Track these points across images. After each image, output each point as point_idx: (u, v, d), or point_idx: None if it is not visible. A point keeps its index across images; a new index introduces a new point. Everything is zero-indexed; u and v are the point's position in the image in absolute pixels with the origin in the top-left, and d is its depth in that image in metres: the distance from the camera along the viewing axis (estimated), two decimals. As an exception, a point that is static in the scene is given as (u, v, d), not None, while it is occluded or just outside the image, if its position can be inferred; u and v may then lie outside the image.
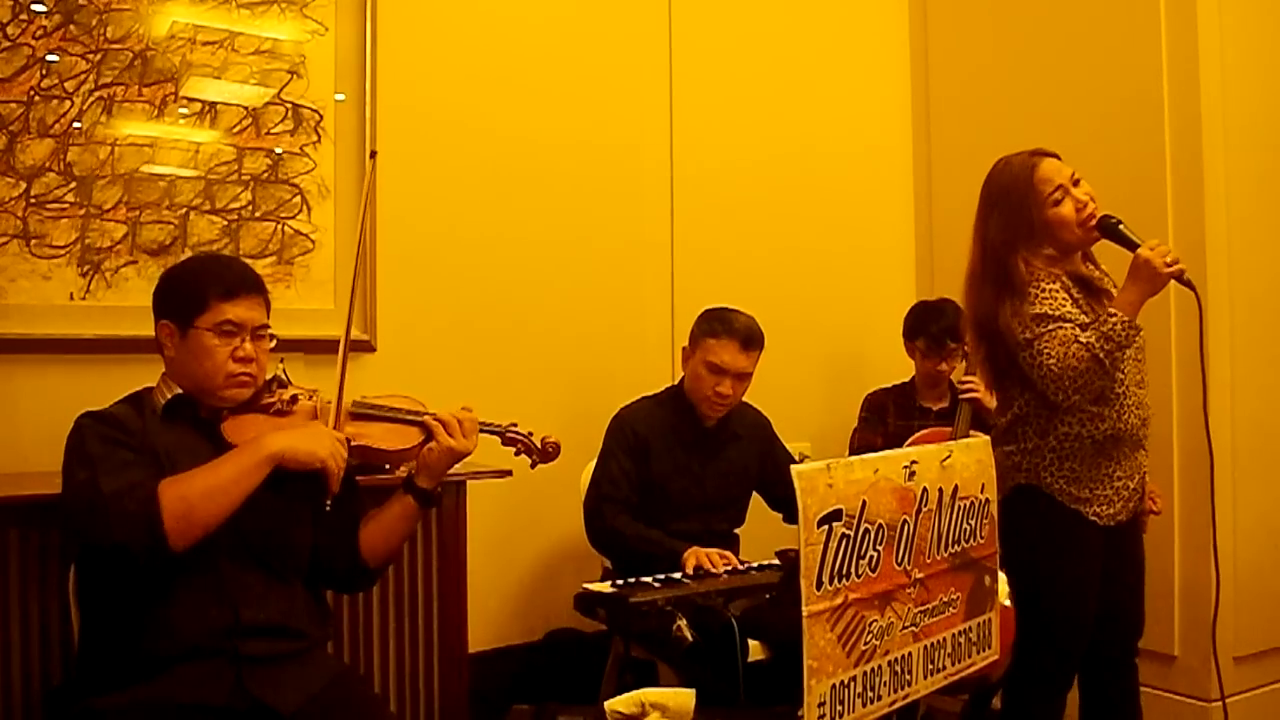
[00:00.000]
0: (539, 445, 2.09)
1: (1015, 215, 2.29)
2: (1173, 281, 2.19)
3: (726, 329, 2.77)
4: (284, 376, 2.04)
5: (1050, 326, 2.20)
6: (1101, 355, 2.15)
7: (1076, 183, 2.29)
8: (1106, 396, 2.27)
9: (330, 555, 2.03)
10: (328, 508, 1.84)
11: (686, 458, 2.85)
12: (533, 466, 2.11)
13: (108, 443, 1.79)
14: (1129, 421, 2.29)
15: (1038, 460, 2.32)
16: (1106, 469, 2.30)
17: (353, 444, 1.94)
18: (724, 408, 2.82)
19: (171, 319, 1.90)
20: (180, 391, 1.90)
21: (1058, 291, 2.25)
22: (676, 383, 2.94)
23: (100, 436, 1.79)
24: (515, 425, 2.08)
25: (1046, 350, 2.19)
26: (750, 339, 2.77)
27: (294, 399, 1.99)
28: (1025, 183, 2.29)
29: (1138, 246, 2.20)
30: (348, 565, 2.05)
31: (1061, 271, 2.30)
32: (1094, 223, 2.27)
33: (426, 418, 1.99)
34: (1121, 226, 2.25)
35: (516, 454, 2.09)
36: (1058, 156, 2.33)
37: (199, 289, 1.89)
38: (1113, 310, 2.18)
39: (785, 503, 2.96)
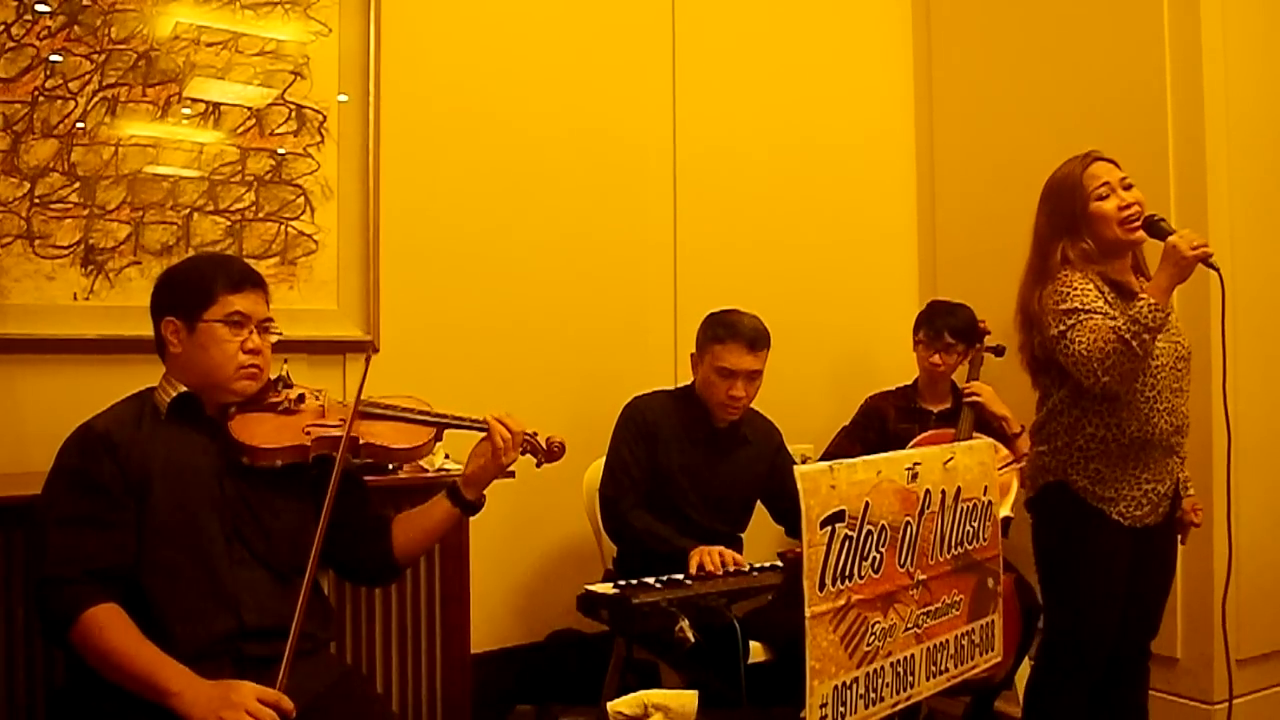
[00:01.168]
0: (544, 445, 2.09)
1: (1061, 206, 2.39)
2: (1182, 289, 2.24)
3: (731, 333, 2.78)
4: (287, 377, 2.05)
5: (1080, 317, 2.26)
6: (1129, 336, 2.18)
7: (1128, 187, 2.37)
8: (1134, 400, 2.30)
9: (361, 556, 2.06)
10: None
11: (695, 454, 2.86)
12: (538, 466, 2.12)
13: (77, 488, 1.79)
14: (1158, 427, 2.32)
15: (1065, 459, 2.37)
16: (1133, 471, 2.33)
17: (362, 443, 1.95)
18: (739, 410, 2.84)
19: (178, 315, 1.90)
20: (185, 390, 1.90)
21: (1089, 290, 2.30)
22: (689, 383, 2.94)
23: (74, 479, 1.80)
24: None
25: (1076, 338, 2.24)
26: (756, 340, 2.79)
27: (301, 398, 2.00)
28: (1075, 177, 2.39)
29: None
30: (378, 563, 2.07)
31: (1096, 273, 2.35)
32: (1138, 222, 2.33)
33: (493, 425, 2.01)
34: (1162, 223, 2.32)
35: (522, 454, 2.09)
36: (1115, 163, 2.41)
37: (205, 283, 1.90)
38: (1142, 295, 2.22)
39: (788, 516, 2.97)
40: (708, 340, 2.82)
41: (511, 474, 2.53)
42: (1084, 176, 2.37)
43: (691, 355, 2.90)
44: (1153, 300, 2.18)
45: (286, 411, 1.97)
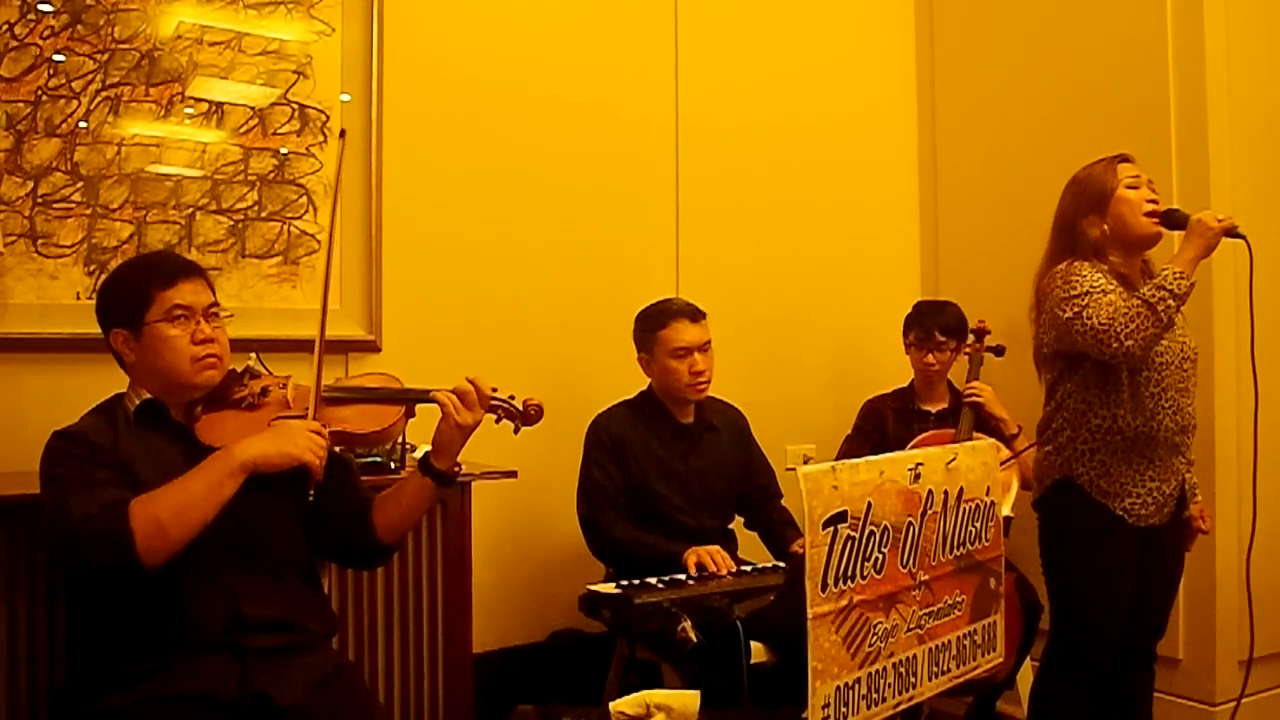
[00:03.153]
0: (520, 409, 2.03)
1: (1090, 187, 2.42)
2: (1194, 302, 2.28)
3: (670, 314, 2.84)
4: (256, 368, 2.02)
5: (1094, 295, 2.28)
6: (1153, 299, 2.19)
7: (1154, 191, 2.42)
8: (1139, 394, 2.32)
9: (346, 537, 2.05)
10: (311, 497, 1.79)
11: (667, 455, 2.86)
12: (516, 431, 2.05)
13: (76, 461, 1.78)
14: (1162, 424, 2.33)
15: (1070, 454, 2.38)
16: (1138, 467, 2.34)
17: (330, 430, 1.90)
18: (705, 385, 2.85)
19: (121, 325, 1.88)
20: (149, 397, 1.89)
21: (1099, 277, 2.32)
22: (645, 390, 2.95)
23: (68, 456, 1.79)
24: (495, 390, 2.03)
25: (1093, 312, 2.25)
26: (694, 311, 2.86)
27: (265, 390, 1.96)
28: (1109, 166, 2.43)
29: None
30: (364, 545, 2.06)
31: (1105, 267, 2.37)
32: (1159, 214, 2.37)
33: (438, 394, 1.97)
34: (1178, 213, 2.36)
35: (498, 420, 2.03)
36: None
37: (138, 287, 1.88)
38: (1166, 265, 2.25)
39: (749, 506, 3.00)
40: (650, 331, 2.86)
41: (513, 474, 2.55)
42: (1119, 168, 2.41)
43: (640, 358, 2.91)
44: (1178, 269, 2.21)
45: (251, 407, 1.93)
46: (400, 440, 2.42)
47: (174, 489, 1.72)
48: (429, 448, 2.03)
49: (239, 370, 1.98)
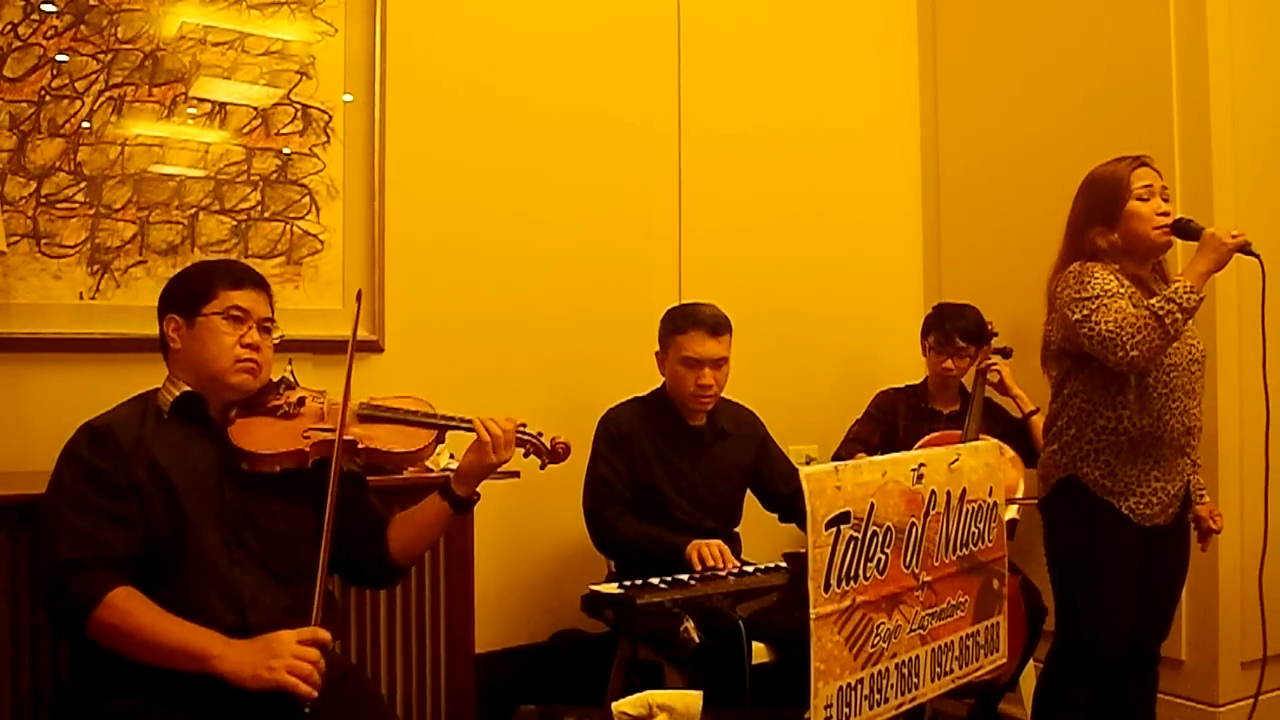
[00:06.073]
0: (549, 446, 2.07)
1: (1102, 197, 2.41)
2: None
3: (692, 322, 2.79)
4: (291, 378, 2.05)
5: (1104, 300, 2.27)
6: (1162, 313, 2.19)
7: (1166, 199, 2.41)
8: (1146, 396, 2.32)
9: (359, 554, 2.05)
10: (305, 713, 1.70)
11: (674, 456, 2.85)
12: (542, 467, 2.10)
13: (87, 480, 1.79)
14: (1169, 425, 2.33)
15: (1075, 453, 2.38)
16: (1143, 467, 2.34)
17: (360, 447, 1.95)
18: (710, 399, 2.82)
19: (178, 312, 1.93)
20: (188, 389, 1.91)
21: (1110, 280, 2.32)
22: (659, 387, 2.93)
23: (83, 471, 1.80)
24: (524, 425, 2.07)
25: (1102, 318, 2.25)
26: (717, 325, 2.79)
27: (301, 401, 2.00)
28: (1123, 174, 2.40)
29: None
30: (376, 564, 2.07)
31: (1120, 269, 2.37)
32: (1168, 225, 2.36)
33: (478, 425, 1.99)
34: (1191, 223, 2.35)
35: (526, 455, 2.08)
36: (1160, 174, 2.45)
37: (207, 280, 1.94)
38: (1177, 278, 2.24)
39: (780, 501, 2.97)
40: (669, 333, 2.83)
41: (516, 474, 2.55)
42: (1131, 175, 2.39)
43: (656, 354, 2.89)
44: (1189, 283, 2.20)
45: (286, 415, 1.97)
46: None
47: (154, 620, 1.72)
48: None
49: (274, 380, 2.02)
